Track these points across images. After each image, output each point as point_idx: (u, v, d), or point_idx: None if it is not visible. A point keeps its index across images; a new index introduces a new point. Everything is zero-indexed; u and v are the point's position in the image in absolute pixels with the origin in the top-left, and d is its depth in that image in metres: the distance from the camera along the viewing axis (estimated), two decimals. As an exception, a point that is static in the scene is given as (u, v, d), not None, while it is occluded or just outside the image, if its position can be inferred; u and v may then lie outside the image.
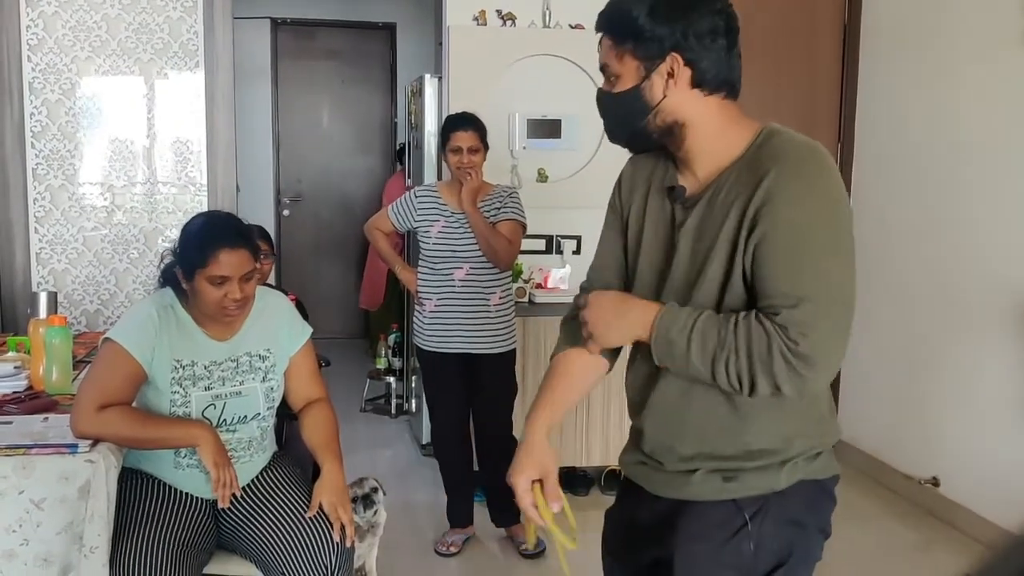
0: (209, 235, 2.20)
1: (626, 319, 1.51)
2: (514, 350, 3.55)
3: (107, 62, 3.74)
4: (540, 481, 1.58)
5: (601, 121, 1.60)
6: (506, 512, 3.56)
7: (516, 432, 3.48)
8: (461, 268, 3.40)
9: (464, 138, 3.37)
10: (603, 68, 1.53)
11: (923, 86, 4.11)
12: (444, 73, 4.32)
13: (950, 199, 3.94)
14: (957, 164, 3.89)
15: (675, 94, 1.47)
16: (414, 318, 3.60)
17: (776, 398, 1.40)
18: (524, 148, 4.30)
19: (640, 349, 1.58)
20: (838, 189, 1.41)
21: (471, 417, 3.57)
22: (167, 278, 2.30)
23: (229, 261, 2.15)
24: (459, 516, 3.63)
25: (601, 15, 1.52)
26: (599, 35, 1.53)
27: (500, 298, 3.45)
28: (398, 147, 6.59)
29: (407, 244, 4.77)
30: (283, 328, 2.40)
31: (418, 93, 4.64)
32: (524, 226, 3.46)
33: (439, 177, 4.40)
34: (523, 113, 4.29)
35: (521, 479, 1.57)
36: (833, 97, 4.66)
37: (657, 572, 1.59)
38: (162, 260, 2.33)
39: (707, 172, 1.49)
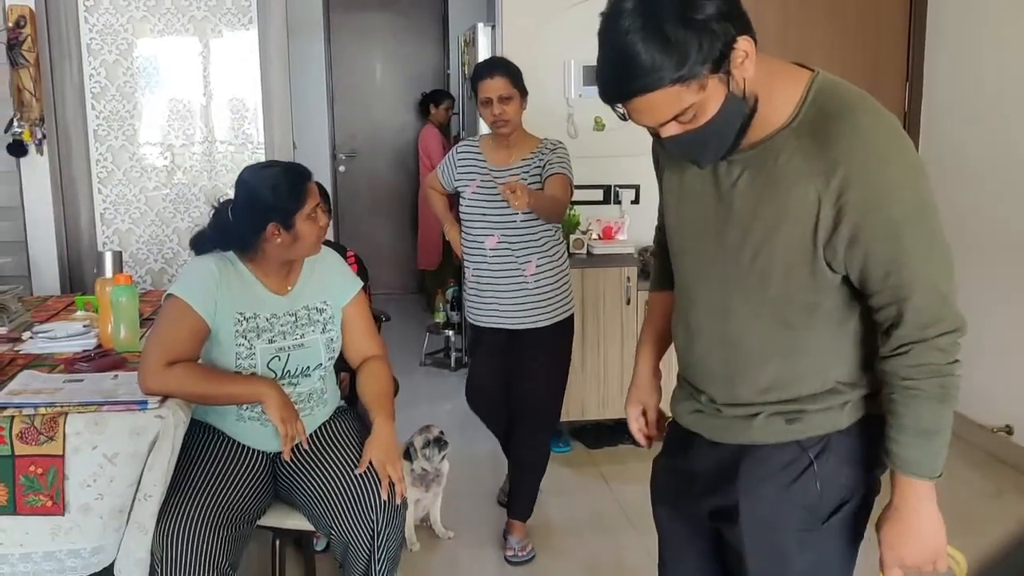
0: (291, 179, 2.26)
1: (928, 526, 1.46)
2: (564, 321, 3.14)
3: (162, 21, 3.74)
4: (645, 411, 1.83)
5: None
6: (517, 504, 3.25)
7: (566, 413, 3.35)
8: (492, 235, 3.04)
9: (493, 86, 2.95)
10: (677, 118, 1.33)
11: (994, 26, 3.93)
12: (497, 21, 4.25)
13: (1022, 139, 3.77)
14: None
15: (747, 71, 1.33)
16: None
17: (834, 345, 1.47)
18: (580, 96, 4.22)
19: (683, 300, 1.61)
20: (913, 155, 1.37)
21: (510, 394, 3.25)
22: (225, 242, 2.29)
23: (312, 191, 2.29)
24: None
25: (640, 79, 1.28)
26: (628, 101, 1.32)
27: (537, 266, 3.04)
28: (426, 94, 6.50)
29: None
30: (336, 279, 2.44)
31: (471, 43, 4.57)
32: (571, 180, 3.08)
33: (493, 129, 4.32)
34: (579, 60, 4.20)
35: (630, 409, 1.84)
36: (901, 37, 4.48)
37: (718, 518, 1.60)
38: (215, 221, 2.32)
39: (755, 132, 1.40)
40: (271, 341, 2.27)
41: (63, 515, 2.01)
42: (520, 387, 3.16)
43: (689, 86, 1.28)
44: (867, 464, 1.53)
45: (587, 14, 4.25)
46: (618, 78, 1.31)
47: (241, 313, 2.25)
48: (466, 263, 3.17)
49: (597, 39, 1.35)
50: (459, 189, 3.12)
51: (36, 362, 2.40)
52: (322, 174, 6.52)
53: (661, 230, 1.74)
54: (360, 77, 7.04)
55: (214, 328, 2.22)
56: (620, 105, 1.34)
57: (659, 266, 1.83)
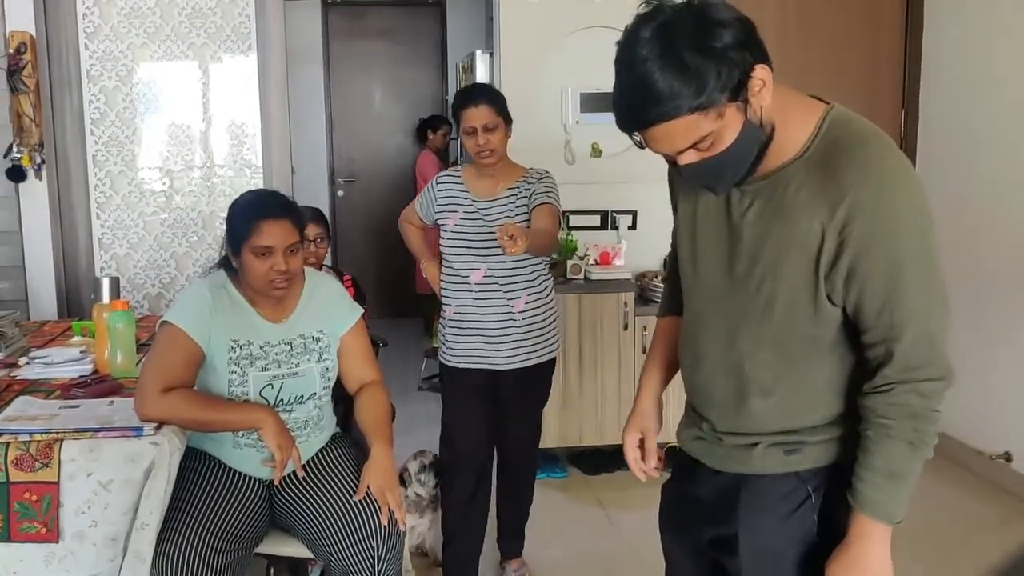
0: (253, 208, 2.24)
1: (878, 567, 1.44)
2: (551, 361, 2.99)
3: (162, 47, 3.77)
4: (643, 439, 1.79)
5: None
6: (510, 542, 3.19)
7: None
8: (478, 270, 2.84)
9: (477, 115, 2.78)
10: (695, 146, 1.33)
11: (988, 52, 3.96)
12: (495, 48, 4.28)
13: (1021, 166, 3.79)
14: (1029, 128, 3.74)
15: (764, 99, 1.34)
16: (438, 325, 3.10)
17: (835, 378, 1.47)
18: (577, 122, 4.25)
19: (691, 327, 1.62)
20: (920, 194, 1.37)
21: (494, 444, 3.05)
22: (222, 260, 2.34)
23: (272, 231, 2.19)
24: (465, 571, 3.06)
25: (659, 107, 1.28)
26: (646, 130, 1.32)
27: (527, 303, 2.86)
28: (423, 120, 6.51)
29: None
30: (334, 309, 2.41)
31: (469, 70, 4.61)
32: (560, 210, 2.92)
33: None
34: (576, 87, 4.22)
35: (628, 437, 1.80)
36: (896, 62, 4.51)
37: (718, 548, 1.60)
38: (222, 250, 2.36)
39: (769, 162, 1.41)
40: (264, 369, 2.27)
41: (57, 542, 2.01)
42: (507, 431, 3.00)
43: (707, 114, 1.29)
44: None
45: (584, 41, 4.31)
46: (636, 106, 1.30)
47: (235, 340, 2.24)
48: (446, 300, 2.96)
49: (614, 67, 1.34)
50: (440, 222, 2.93)
51: (32, 388, 2.40)
52: (321, 198, 6.55)
53: (674, 257, 1.76)
54: (359, 103, 7.09)
55: (209, 355, 2.21)
56: (637, 133, 1.34)
57: (669, 291, 1.83)
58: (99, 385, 2.35)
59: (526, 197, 2.85)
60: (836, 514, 1.48)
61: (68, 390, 2.32)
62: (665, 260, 4.31)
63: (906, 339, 1.37)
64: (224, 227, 2.33)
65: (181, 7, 3.75)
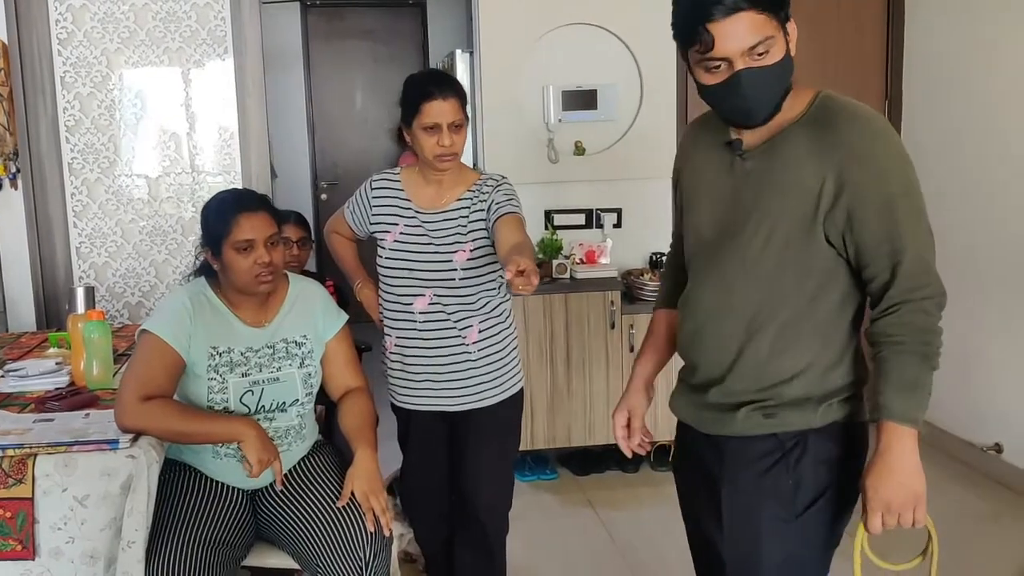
0: (227, 205, 2.23)
1: (909, 470, 1.54)
2: (516, 396, 2.55)
3: (136, 53, 3.71)
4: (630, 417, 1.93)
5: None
6: None
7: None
8: (422, 295, 2.43)
9: (443, 109, 2.35)
10: (753, 48, 1.49)
11: (971, 46, 3.95)
12: (475, 47, 4.24)
13: (1007, 154, 3.78)
14: (1009, 119, 3.73)
15: (793, 43, 1.56)
16: (381, 358, 2.62)
17: (823, 340, 1.61)
18: (560, 121, 4.21)
19: (688, 292, 1.76)
20: (905, 150, 1.57)
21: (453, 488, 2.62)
22: (201, 268, 2.30)
23: (251, 224, 2.18)
24: None
25: None
26: (731, 15, 1.47)
27: (480, 332, 2.45)
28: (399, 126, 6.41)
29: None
30: (318, 314, 2.37)
31: (450, 69, 4.56)
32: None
33: (476, 163, 4.27)
34: (558, 85, 4.18)
35: (617, 416, 1.95)
36: (879, 55, 4.50)
37: (709, 517, 1.74)
38: (197, 257, 2.32)
39: (769, 128, 1.60)
40: (245, 375, 2.22)
41: (33, 559, 1.96)
42: (470, 482, 2.53)
43: (772, 20, 1.49)
44: (846, 469, 1.64)
45: (565, 39, 4.28)
46: None
47: (215, 347, 2.20)
48: (387, 330, 2.52)
49: None
50: (376, 235, 2.51)
51: (7, 401, 2.34)
52: (304, 203, 6.50)
53: (675, 247, 1.94)
54: (340, 105, 7.04)
55: (189, 362, 2.18)
56: (708, 28, 1.47)
57: (669, 285, 1.95)
58: (74, 397, 2.30)
59: (482, 210, 2.41)
60: (813, 477, 1.62)
61: (43, 403, 2.27)
62: (651, 257, 4.29)
63: (905, 262, 1.52)
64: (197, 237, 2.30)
65: (155, 12, 3.69)
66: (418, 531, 2.75)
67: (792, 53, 1.55)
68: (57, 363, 2.61)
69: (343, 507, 2.20)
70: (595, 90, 4.20)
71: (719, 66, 1.52)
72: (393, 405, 2.61)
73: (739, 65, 1.51)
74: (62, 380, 2.49)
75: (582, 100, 4.19)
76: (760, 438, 1.64)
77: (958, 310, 4.15)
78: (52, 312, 3.71)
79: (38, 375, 2.51)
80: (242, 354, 2.23)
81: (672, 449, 1.93)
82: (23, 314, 3.68)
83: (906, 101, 4.43)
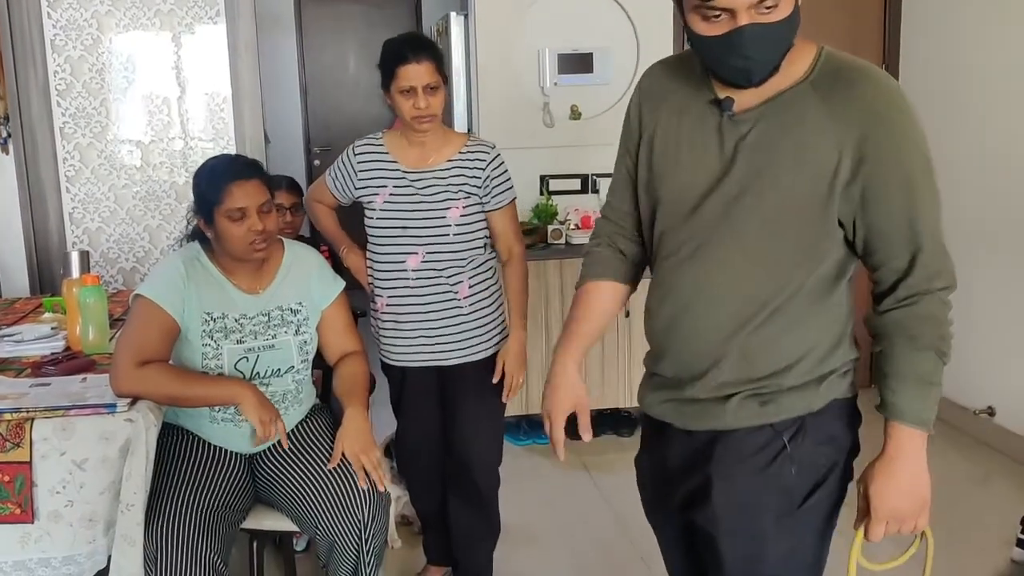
0: (217, 172, 2.20)
1: (918, 477, 1.46)
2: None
3: (127, 15, 3.66)
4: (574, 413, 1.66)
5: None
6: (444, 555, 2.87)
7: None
8: (415, 254, 2.48)
9: (418, 73, 2.38)
10: (762, 2, 1.33)
11: (972, 10, 3.92)
12: (470, 10, 4.19)
13: (999, 127, 3.77)
14: (1009, 91, 3.71)
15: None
16: (370, 319, 2.69)
17: (819, 316, 1.47)
18: (555, 84, 4.17)
19: (667, 274, 1.55)
20: (917, 118, 1.43)
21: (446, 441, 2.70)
22: (193, 233, 2.29)
23: (243, 191, 2.15)
24: (442, 555, 2.87)
25: None
26: None
27: (471, 287, 2.53)
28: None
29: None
30: (314, 281, 2.36)
31: (444, 32, 4.51)
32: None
33: (471, 127, 4.25)
34: (554, 48, 4.15)
35: (558, 416, 1.65)
36: (876, 28, 4.46)
37: (691, 507, 1.58)
38: (188, 221, 2.30)
39: (766, 88, 1.43)
40: (239, 342, 2.22)
41: (32, 523, 1.97)
42: (462, 436, 2.61)
43: None
44: (842, 446, 1.53)
45: (560, 2, 4.23)
46: None
47: (208, 313, 2.20)
48: (378, 291, 2.57)
49: None
50: (364, 199, 2.55)
51: (3, 366, 2.34)
52: (297, 168, 6.45)
53: (614, 216, 1.71)
54: (333, 70, 6.97)
55: (183, 327, 2.17)
56: None
57: (608, 256, 1.71)
58: (70, 362, 2.30)
59: (477, 176, 2.49)
60: (814, 461, 1.49)
61: (39, 368, 2.27)
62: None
63: (927, 248, 1.40)
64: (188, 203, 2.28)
65: (146, -27, 3.64)
66: (413, 492, 2.85)
67: (798, 10, 1.38)
68: (52, 328, 2.60)
69: (341, 469, 2.21)
70: (591, 53, 4.17)
71: (719, 16, 1.34)
72: (385, 365, 2.65)
73: (743, 20, 1.33)
74: (58, 345, 2.48)
75: (578, 63, 4.16)
76: (755, 429, 1.50)
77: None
78: (46, 277, 3.70)
79: (33, 340, 2.51)
80: (236, 320, 2.23)
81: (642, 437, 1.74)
82: (16, 279, 3.66)
83: (903, 67, 4.40)
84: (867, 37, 4.45)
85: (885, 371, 1.44)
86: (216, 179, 2.18)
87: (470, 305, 2.54)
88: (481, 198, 2.52)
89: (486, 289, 2.58)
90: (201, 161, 3.68)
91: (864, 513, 1.47)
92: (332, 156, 6.90)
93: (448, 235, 2.47)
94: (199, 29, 3.73)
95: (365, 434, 2.23)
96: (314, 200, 2.75)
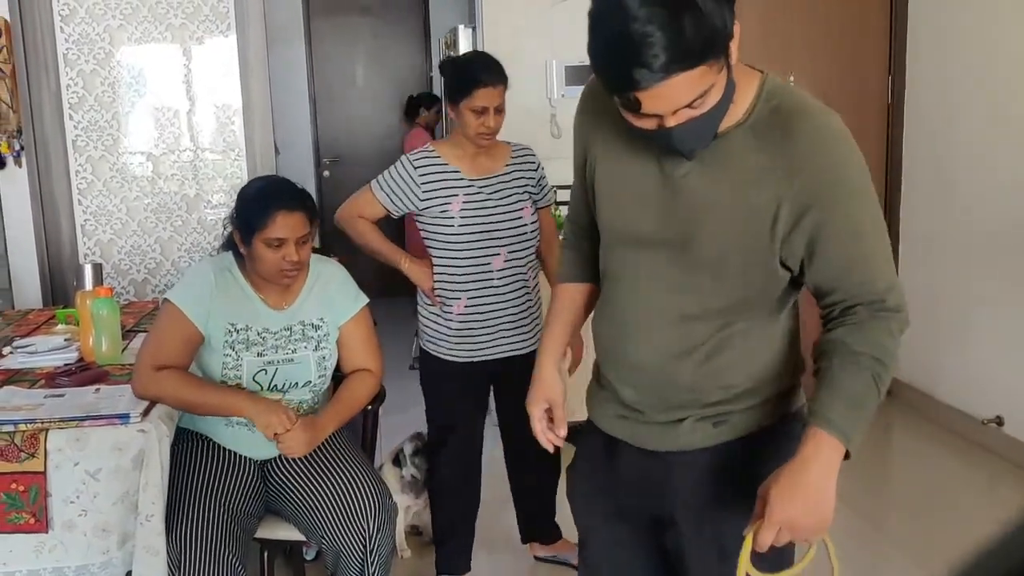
0: (266, 198, 2.20)
1: (826, 492, 1.35)
2: None
3: (139, 29, 3.71)
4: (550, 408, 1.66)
5: None
6: (547, 527, 3.04)
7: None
8: (498, 254, 2.65)
9: (492, 96, 2.59)
10: (692, 103, 1.26)
11: (977, 13, 3.93)
12: (478, 23, 4.23)
13: (1008, 128, 3.77)
14: (1015, 93, 3.72)
15: (734, 54, 1.29)
16: (427, 324, 2.76)
17: (767, 340, 1.47)
18: (563, 96, 4.21)
19: (621, 288, 1.52)
20: (861, 155, 1.39)
21: (503, 434, 2.96)
22: (228, 243, 2.30)
23: (286, 223, 2.16)
24: (458, 564, 2.91)
25: (682, 52, 1.19)
26: (663, 81, 1.21)
27: (534, 279, 2.80)
28: (414, 97, 6.24)
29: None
30: (337, 297, 2.37)
31: (452, 45, 4.55)
32: None
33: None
34: (561, 60, 4.18)
35: (535, 409, 1.66)
36: (882, 27, 4.47)
37: (656, 527, 1.57)
38: (225, 228, 2.32)
39: None
40: (260, 355, 2.25)
41: (47, 532, 2.00)
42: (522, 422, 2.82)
43: (712, 66, 1.23)
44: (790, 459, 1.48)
45: (567, 14, 4.26)
46: (647, 56, 1.18)
47: (232, 324, 2.22)
48: (454, 295, 2.67)
49: (598, 18, 1.24)
50: (430, 209, 2.63)
51: (17, 377, 2.37)
52: (306, 179, 6.49)
53: (575, 221, 1.71)
54: (342, 81, 7.02)
55: (207, 336, 2.21)
56: (637, 92, 1.22)
57: (574, 258, 1.71)
58: (84, 373, 2.33)
59: (532, 177, 2.74)
60: (766, 474, 1.42)
61: (53, 379, 2.30)
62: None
63: (879, 286, 1.38)
64: (208, 210, 2.30)
65: (157, -13, 3.68)
66: (445, 495, 2.89)
67: (734, 61, 1.29)
68: (66, 339, 2.63)
69: (349, 479, 2.24)
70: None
71: (645, 116, 1.28)
72: (442, 362, 2.73)
73: (671, 122, 1.27)
74: (71, 356, 2.51)
75: (585, 75, 4.13)
76: (710, 449, 1.48)
77: (959, 281, 4.19)
78: (58, 289, 3.73)
79: (47, 351, 2.54)
80: (259, 334, 2.25)
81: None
82: (29, 291, 3.69)
83: (909, 68, 4.41)
84: (872, 45, 4.47)
85: (818, 387, 1.39)
86: (263, 204, 2.17)
87: (536, 295, 2.79)
88: (534, 196, 2.75)
89: (536, 278, 2.81)
90: (211, 174, 3.76)
91: (758, 517, 1.37)
92: (341, 167, 7.00)
93: (526, 233, 2.69)
94: (209, 41, 3.77)
95: (307, 436, 2.21)
96: (355, 216, 2.75)
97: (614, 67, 1.24)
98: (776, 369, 1.49)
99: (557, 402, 1.66)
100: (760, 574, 1.40)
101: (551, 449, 1.70)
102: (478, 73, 2.61)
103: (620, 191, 1.49)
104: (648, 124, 1.29)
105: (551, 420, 1.66)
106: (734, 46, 1.27)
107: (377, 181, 2.70)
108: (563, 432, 1.66)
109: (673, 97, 1.23)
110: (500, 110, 2.63)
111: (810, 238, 1.36)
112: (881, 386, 1.38)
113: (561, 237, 1.80)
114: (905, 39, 4.41)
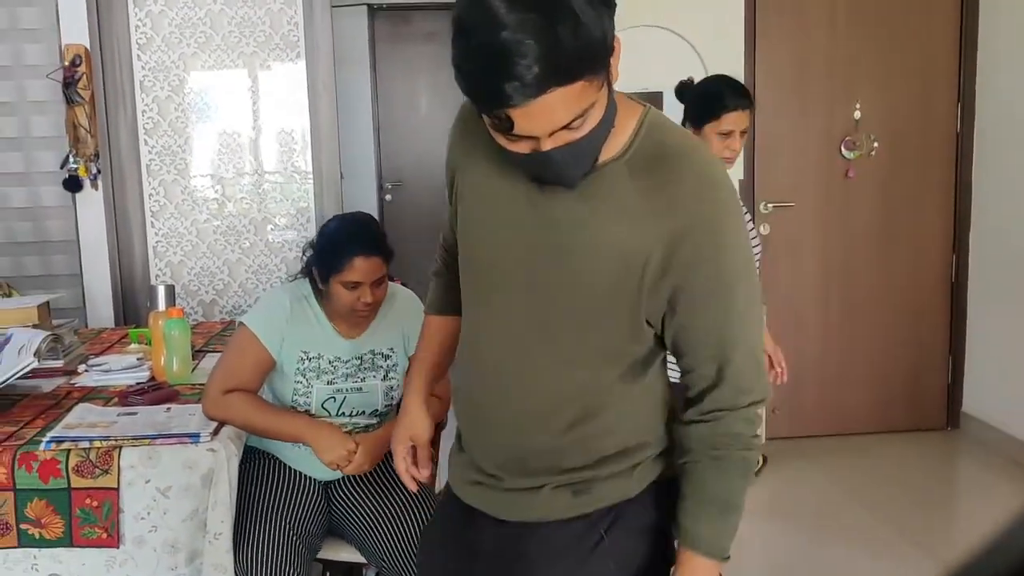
0: (346, 241, 2.20)
1: None
2: None
3: (212, 57, 3.81)
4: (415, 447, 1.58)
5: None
6: None
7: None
8: None
9: (742, 119, 2.64)
10: (570, 123, 1.15)
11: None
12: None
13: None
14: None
15: (615, 73, 1.20)
16: None
17: (632, 399, 1.35)
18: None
19: (478, 336, 1.41)
20: (742, 213, 1.32)
21: None
22: (307, 269, 2.32)
23: (363, 268, 2.17)
24: None
25: (558, 64, 1.08)
26: (537, 97, 1.09)
27: None
28: None
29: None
30: (408, 327, 2.35)
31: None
32: None
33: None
34: (623, 88, 4.17)
35: (399, 447, 1.58)
36: (951, 53, 4.39)
37: None
38: (304, 253, 2.35)
39: None
40: (330, 383, 2.28)
41: (118, 547, 2.04)
42: None
43: (592, 82, 1.12)
44: (661, 531, 1.40)
45: (629, 42, 4.24)
46: (521, 69, 1.06)
47: (305, 352, 2.26)
48: None
49: (467, 28, 1.10)
50: None
51: (91, 395, 2.44)
52: (369, 204, 6.59)
53: (447, 250, 1.59)
54: (405, 108, 7.12)
55: (279, 361, 2.24)
56: (510, 108, 1.10)
57: (441, 288, 1.61)
58: (156, 392, 2.38)
59: None
60: (635, 550, 1.37)
61: (125, 397, 2.35)
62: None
63: (737, 360, 1.28)
64: (274, 231, 2.34)
65: (231, 17, 3.79)
66: None
67: (615, 79, 1.19)
68: (138, 359, 2.70)
69: (411, 504, 2.25)
70: (660, 92, 4.18)
71: (519, 138, 1.17)
72: None
73: (547, 145, 1.16)
74: (143, 375, 2.57)
75: (649, 103, 4.17)
76: (569, 521, 1.36)
77: (1019, 309, 4.07)
78: (130, 309, 3.83)
79: (120, 370, 2.61)
80: (330, 363, 2.28)
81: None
82: (102, 311, 3.79)
83: (979, 96, 4.33)
84: (941, 72, 4.40)
85: (685, 492, 1.32)
86: (342, 248, 2.19)
87: None
88: None
89: None
90: (278, 197, 3.83)
91: None
92: (403, 192, 7.09)
93: None
94: (277, 68, 3.86)
95: (371, 456, 2.19)
96: None
97: (483, 81, 1.11)
98: (641, 435, 1.37)
99: (422, 440, 1.57)
100: None
101: (413, 488, 1.61)
102: (731, 99, 2.67)
103: (485, 225, 1.36)
104: (522, 148, 1.18)
105: (415, 460, 1.57)
106: (615, 62, 1.17)
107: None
108: (427, 472, 1.58)
109: (549, 116, 1.11)
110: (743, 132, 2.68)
111: (674, 287, 1.26)
112: (750, 474, 1.33)
113: (433, 263, 1.66)
114: (975, 68, 4.33)
